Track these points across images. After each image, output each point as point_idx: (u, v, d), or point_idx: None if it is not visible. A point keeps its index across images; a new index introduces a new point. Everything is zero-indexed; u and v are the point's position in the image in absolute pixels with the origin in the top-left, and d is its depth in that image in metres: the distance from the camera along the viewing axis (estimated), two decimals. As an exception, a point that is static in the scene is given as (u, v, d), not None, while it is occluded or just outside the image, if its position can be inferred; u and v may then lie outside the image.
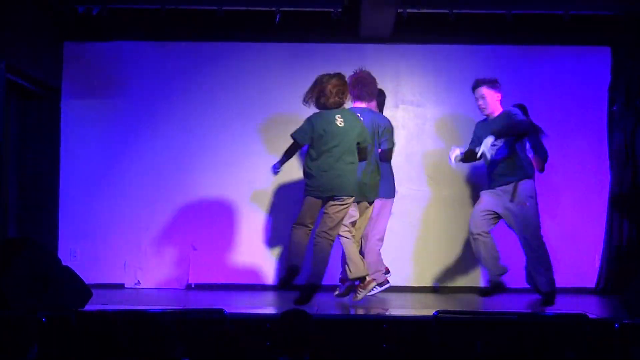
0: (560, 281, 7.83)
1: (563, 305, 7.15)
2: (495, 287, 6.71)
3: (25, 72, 7.27)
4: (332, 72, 6.37)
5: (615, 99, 7.89)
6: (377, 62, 7.97)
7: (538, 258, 6.72)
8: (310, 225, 6.32)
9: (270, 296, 7.25)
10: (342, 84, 6.33)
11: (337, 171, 6.23)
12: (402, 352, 3.52)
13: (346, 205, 6.28)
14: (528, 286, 7.84)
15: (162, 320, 3.70)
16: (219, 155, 7.94)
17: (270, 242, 7.91)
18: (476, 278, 7.87)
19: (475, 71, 7.91)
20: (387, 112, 7.86)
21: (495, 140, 6.59)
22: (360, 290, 6.54)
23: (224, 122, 7.94)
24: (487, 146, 6.51)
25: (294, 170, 7.87)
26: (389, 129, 6.85)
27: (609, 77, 7.93)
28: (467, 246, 7.86)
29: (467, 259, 7.87)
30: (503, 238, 7.07)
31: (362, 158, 6.41)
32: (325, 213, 6.32)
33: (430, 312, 5.60)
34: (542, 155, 7.19)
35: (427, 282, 7.40)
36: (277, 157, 7.88)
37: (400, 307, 6.76)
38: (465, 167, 7.91)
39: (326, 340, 5.06)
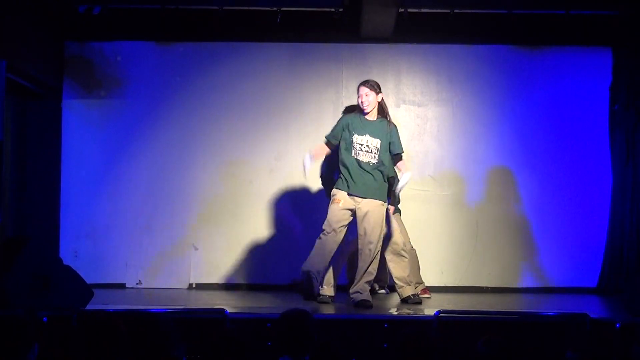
0: (562, 281, 7.87)
1: (564, 305, 7.15)
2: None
3: (26, 71, 7.27)
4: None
5: (616, 98, 7.88)
6: (378, 62, 7.98)
7: None
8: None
9: (271, 296, 7.24)
10: None
11: None
12: (403, 352, 3.52)
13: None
14: (531, 286, 7.87)
15: (163, 320, 3.70)
16: (220, 155, 7.94)
17: (271, 241, 7.91)
18: (477, 278, 7.87)
19: (476, 71, 7.94)
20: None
21: None
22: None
23: (224, 121, 7.94)
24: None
25: (294, 170, 7.87)
26: None
27: (610, 77, 7.93)
28: (468, 246, 7.87)
29: (468, 258, 7.87)
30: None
31: None
32: None
33: (431, 311, 5.61)
34: None
35: (428, 282, 7.39)
36: (278, 157, 7.93)
37: (402, 307, 6.76)
38: (467, 167, 7.93)
39: (327, 340, 5.06)
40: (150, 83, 7.98)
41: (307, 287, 6.35)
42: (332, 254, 6.37)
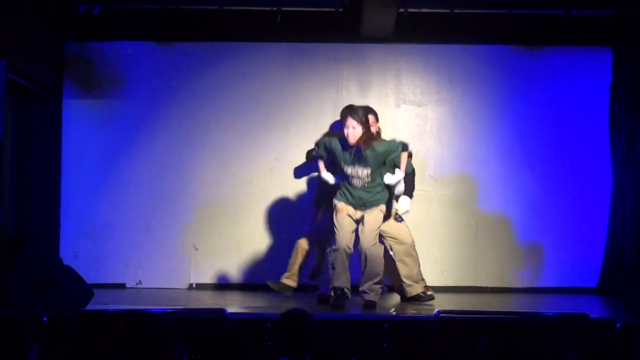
0: (562, 281, 7.86)
1: (564, 305, 7.15)
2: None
3: (26, 71, 7.26)
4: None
5: (616, 98, 7.88)
6: (378, 62, 7.98)
7: None
8: None
9: (271, 296, 7.24)
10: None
11: None
12: (403, 352, 3.52)
13: None
14: (531, 286, 7.86)
15: (163, 320, 3.70)
16: (220, 155, 7.94)
17: (271, 241, 7.90)
18: (477, 278, 7.87)
19: (476, 71, 7.94)
20: (388, 112, 7.88)
21: None
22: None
23: (224, 121, 7.93)
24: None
25: (292, 171, 7.87)
26: None
27: (610, 77, 7.92)
28: (468, 246, 7.87)
29: (468, 258, 7.86)
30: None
31: None
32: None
33: (431, 312, 5.61)
34: None
35: (428, 281, 7.39)
36: (278, 157, 7.92)
37: (402, 307, 6.76)
38: (467, 167, 7.92)
39: (326, 340, 5.06)
40: (150, 83, 7.97)
41: (340, 301, 6.40)
42: (348, 264, 6.45)
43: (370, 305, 6.39)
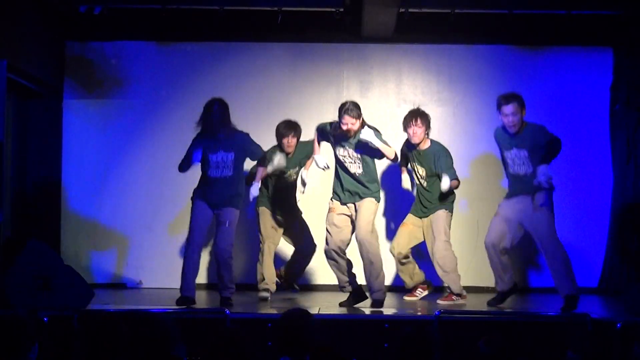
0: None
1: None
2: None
3: (27, 71, 7.27)
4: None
5: (617, 98, 7.89)
6: (378, 62, 7.98)
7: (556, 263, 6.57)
8: None
9: (271, 296, 7.24)
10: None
11: None
12: (403, 352, 3.53)
13: None
14: (532, 286, 7.86)
15: (163, 320, 3.70)
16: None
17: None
18: (477, 278, 7.86)
19: (476, 71, 7.94)
20: (389, 112, 7.89)
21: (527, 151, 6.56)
22: None
23: (225, 121, 7.94)
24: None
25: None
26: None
27: (610, 77, 7.93)
28: (468, 246, 7.87)
29: (468, 259, 7.86)
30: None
31: None
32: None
33: (432, 312, 5.62)
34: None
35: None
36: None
37: (402, 307, 6.76)
38: (467, 167, 7.92)
39: (327, 340, 5.06)
40: (150, 83, 7.98)
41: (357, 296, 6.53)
42: (345, 263, 6.49)
43: (377, 304, 6.40)
